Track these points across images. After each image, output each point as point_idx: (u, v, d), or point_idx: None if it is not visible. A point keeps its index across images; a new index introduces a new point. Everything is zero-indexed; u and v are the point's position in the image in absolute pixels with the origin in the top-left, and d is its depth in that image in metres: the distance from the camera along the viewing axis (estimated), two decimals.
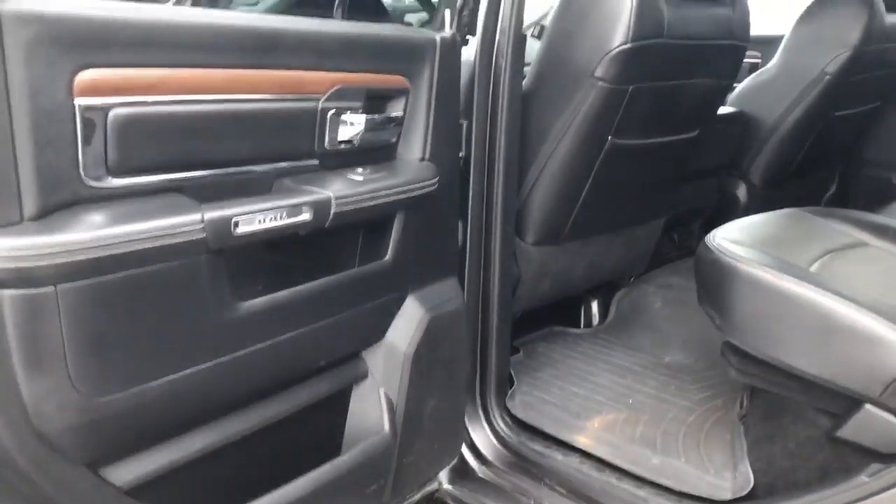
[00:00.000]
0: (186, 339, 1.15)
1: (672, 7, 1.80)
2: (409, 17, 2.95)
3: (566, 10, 1.80)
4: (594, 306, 2.51)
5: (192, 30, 1.09)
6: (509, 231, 1.80)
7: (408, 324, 1.56)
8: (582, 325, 2.49)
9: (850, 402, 1.45)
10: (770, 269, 1.52)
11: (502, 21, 1.64)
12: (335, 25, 1.48)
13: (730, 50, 2.05)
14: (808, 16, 2.54)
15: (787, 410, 1.71)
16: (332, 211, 1.28)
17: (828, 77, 2.48)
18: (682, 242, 2.79)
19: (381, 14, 2.73)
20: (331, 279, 1.38)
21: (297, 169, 1.33)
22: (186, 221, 1.06)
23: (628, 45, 1.73)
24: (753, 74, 2.78)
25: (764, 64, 2.85)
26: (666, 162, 2.18)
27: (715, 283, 1.64)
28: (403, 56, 1.45)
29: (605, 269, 2.36)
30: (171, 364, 1.13)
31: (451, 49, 1.53)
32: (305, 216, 1.25)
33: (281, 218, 1.21)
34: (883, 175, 3.07)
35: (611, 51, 1.74)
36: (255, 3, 2.61)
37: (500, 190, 1.74)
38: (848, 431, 1.45)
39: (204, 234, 1.08)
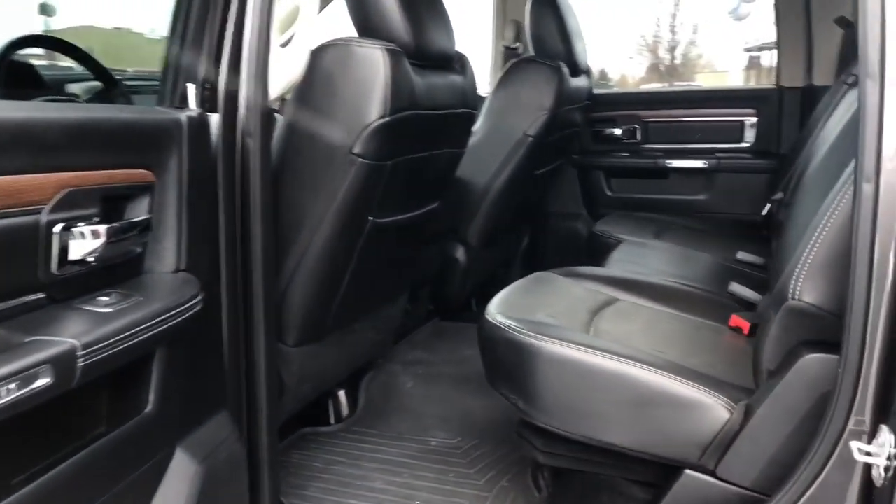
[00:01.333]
0: None
1: (419, 77, 1.69)
2: (73, 87, 2.47)
3: (311, 85, 1.58)
4: (342, 397, 2.28)
5: None
6: (273, 338, 1.52)
7: (178, 483, 1.21)
8: (332, 421, 2.24)
9: (668, 471, 1.43)
10: (575, 345, 1.46)
11: (247, 94, 1.37)
12: (56, 110, 1.11)
13: (466, 118, 2.00)
14: (505, 81, 2.64)
15: (602, 487, 1.66)
16: (80, 365, 0.92)
17: (530, 139, 2.58)
18: (414, 312, 2.69)
19: (40, 85, 2.24)
20: (75, 461, 1.00)
21: (16, 309, 0.95)
22: None
23: (386, 119, 1.57)
24: None
25: None
26: (416, 235, 2.06)
27: (513, 365, 1.53)
28: (145, 143, 1.13)
29: (359, 356, 2.15)
30: None
31: (201, 130, 1.24)
32: (44, 380, 0.88)
33: (7, 393, 0.83)
34: (568, 225, 3.32)
35: (369, 125, 1.56)
36: None
37: (261, 291, 1.45)
38: (670, 501, 1.43)
39: None
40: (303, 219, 1.62)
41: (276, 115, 1.62)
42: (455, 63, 1.92)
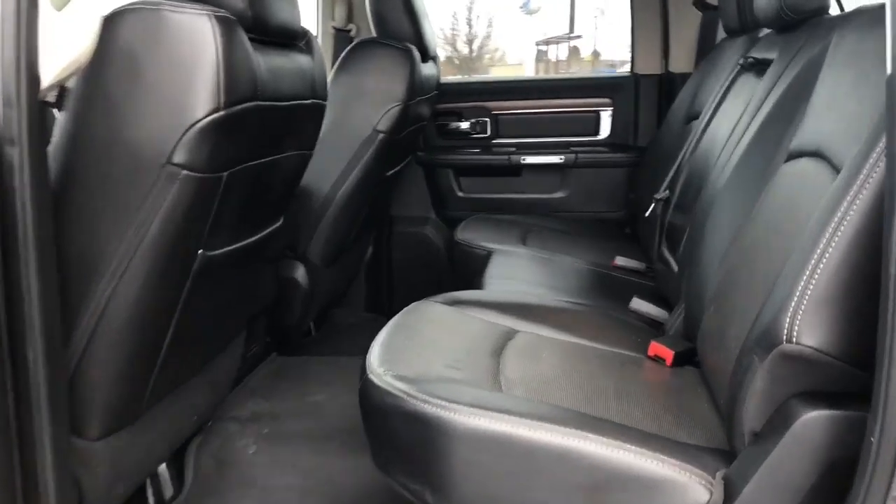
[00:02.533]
0: None
1: (260, 56, 1.24)
2: None
3: (104, 67, 1.08)
4: (163, 473, 1.76)
5: None
6: (65, 433, 1.03)
7: None
8: None
9: None
10: (500, 415, 1.09)
11: (2, 82, 0.88)
12: None
13: (316, 110, 1.57)
14: (346, 68, 2.21)
15: None
16: None
17: (381, 135, 2.18)
18: (249, 351, 2.20)
19: None
20: None
21: None
22: None
23: (220, 114, 1.11)
24: None
25: None
26: (256, 262, 1.59)
27: (415, 445, 1.14)
28: None
29: (189, 427, 1.65)
30: None
31: None
32: None
33: None
34: (416, 231, 2.96)
35: (195, 124, 1.09)
36: None
37: (41, 369, 0.97)
38: None
39: None
40: (99, 261, 1.12)
41: (54, 111, 1.11)
42: (300, 41, 1.48)
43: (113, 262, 1.12)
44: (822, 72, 1.36)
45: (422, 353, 1.35)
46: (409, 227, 2.96)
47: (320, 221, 2.23)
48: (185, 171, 1.11)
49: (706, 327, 1.42)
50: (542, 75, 6.20)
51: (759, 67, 1.77)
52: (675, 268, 1.82)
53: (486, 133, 2.91)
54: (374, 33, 2.46)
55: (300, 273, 2.26)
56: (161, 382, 1.31)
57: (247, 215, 1.40)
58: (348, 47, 2.25)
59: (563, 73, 7.33)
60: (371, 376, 1.23)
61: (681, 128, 2.40)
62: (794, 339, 0.99)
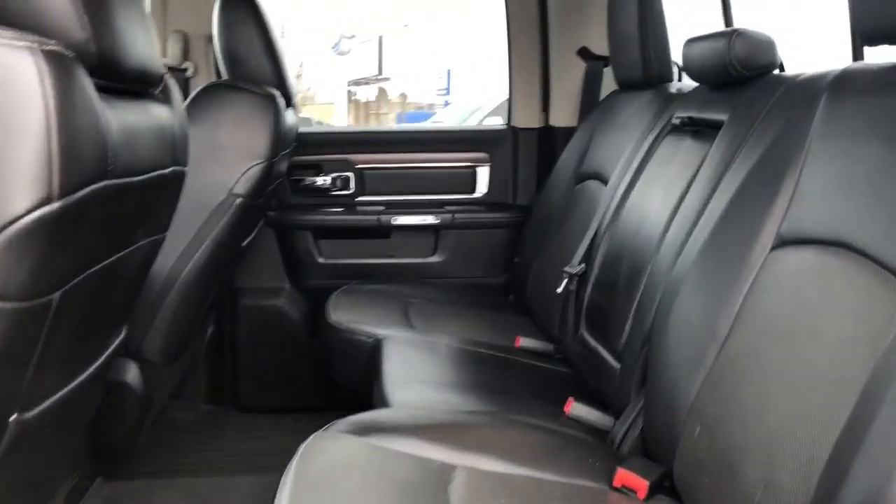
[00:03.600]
0: None
1: (110, 110, 0.81)
2: None
3: None
4: None
5: None
6: None
7: None
8: None
9: None
10: None
11: None
12: None
13: (175, 182, 1.14)
14: (193, 117, 1.76)
15: None
16: None
17: (239, 199, 1.76)
18: (68, 486, 1.67)
19: None
20: None
21: None
22: None
23: (54, 207, 0.68)
24: None
25: None
26: (86, 403, 1.12)
27: None
28: None
29: None
30: None
31: None
32: None
33: None
34: (267, 304, 2.52)
35: (9, 226, 0.66)
36: None
37: None
38: None
39: None
40: None
41: None
42: (157, 86, 1.06)
43: None
44: (812, 144, 1.15)
45: None
46: (258, 299, 2.51)
47: (159, 309, 1.74)
48: None
49: (693, 453, 1.15)
50: (414, 126, 5.87)
51: (700, 130, 1.55)
52: (612, 360, 1.55)
53: (349, 189, 2.55)
54: (217, 75, 2.03)
55: (132, 374, 1.76)
56: None
57: (84, 339, 0.95)
58: (194, 92, 1.81)
59: (437, 125, 7.06)
60: None
61: (569, 188, 2.18)
62: None
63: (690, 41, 1.60)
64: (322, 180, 2.54)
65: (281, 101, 1.86)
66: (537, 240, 2.25)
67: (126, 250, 0.98)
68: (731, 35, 1.46)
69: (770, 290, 1.12)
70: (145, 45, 0.94)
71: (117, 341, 1.14)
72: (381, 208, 2.54)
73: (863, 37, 1.09)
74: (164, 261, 1.72)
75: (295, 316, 2.51)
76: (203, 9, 2.22)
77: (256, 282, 2.52)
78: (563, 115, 2.49)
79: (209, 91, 1.80)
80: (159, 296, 1.74)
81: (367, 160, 2.56)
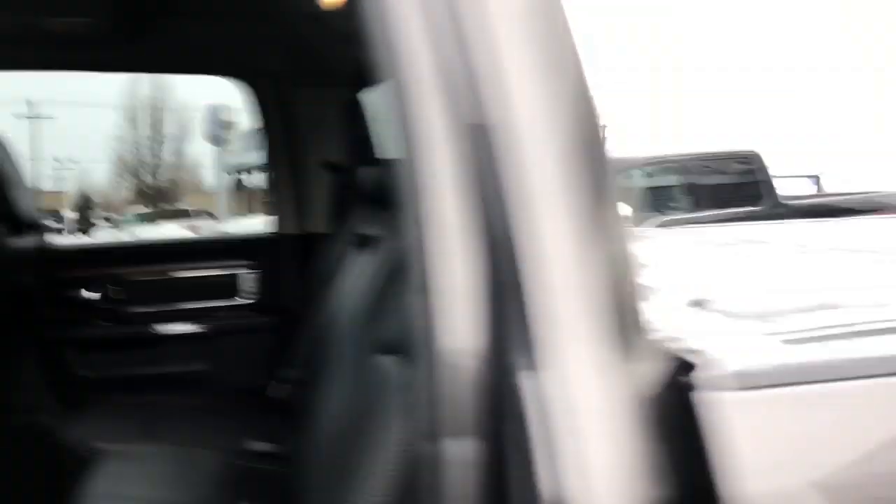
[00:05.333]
0: None
1: None
2: None
3: None
4: None
5: None
6: None
7: None
8: None
9: None
10: None
11: None
12: None
13: None
14: None
15: None
16: None
17: None
18: None
19: None
20: None
21: None
22: None
23: None
24: None
25: None
26: None
27: None
28: None
29: None
30: None
31: None
32: None
33: None
34: (27, 426, 2.46)
35: None
36: None
37: None
38: None
39: None
40: None
41: None
42: None
43: None
44: None
45: None
46: (16, 419, 2.46)
47: None
48: None
49: None
50: (178, 237, 5.91)
51: (365, 244, 1.70)
52: None
53: (111, 302, 2.57)
54: None
55: None
56: None
57: None
58: None
59: (203, 235, 7.11)
60: None
61: (319, 294, 2.30)
62: None
63: None
64: (85, 293, 2.55)
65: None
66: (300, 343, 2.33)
67: None
68: None
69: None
70: None
71: None
72: (145, 319, 2.57)
73: None
74: None
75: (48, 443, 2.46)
76: None
77: (13, 399, 2.47)
78: (319, 222, 2.61)
79: None
80: None
81: (130, 273, 2.60)
